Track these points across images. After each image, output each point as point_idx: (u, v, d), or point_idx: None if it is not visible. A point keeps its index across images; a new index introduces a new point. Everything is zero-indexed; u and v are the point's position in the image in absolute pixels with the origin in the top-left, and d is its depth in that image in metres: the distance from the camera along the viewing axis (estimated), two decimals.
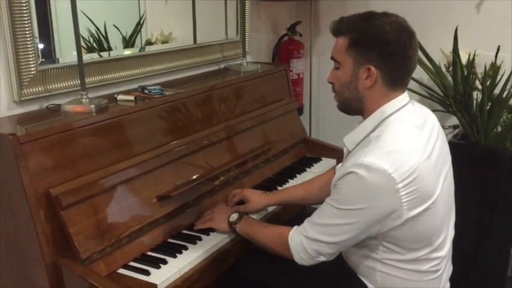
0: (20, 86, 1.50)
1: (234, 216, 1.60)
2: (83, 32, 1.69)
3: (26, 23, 1.47)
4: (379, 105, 1.35)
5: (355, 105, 1.39)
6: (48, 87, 1.58)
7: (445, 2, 2.50)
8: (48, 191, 1.31)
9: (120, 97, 1.70)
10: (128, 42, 1.94)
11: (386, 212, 1.26)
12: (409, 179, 1.23)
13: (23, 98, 1.52)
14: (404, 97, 1.37)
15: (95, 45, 1.81)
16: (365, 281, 1.44)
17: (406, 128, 1.33)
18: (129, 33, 1.94)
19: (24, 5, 1.46)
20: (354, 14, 1.38)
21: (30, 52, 1.50)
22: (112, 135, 1.53)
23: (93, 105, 1.52)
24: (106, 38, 1.86)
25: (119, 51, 1.91)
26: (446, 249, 1.42)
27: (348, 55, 1.34)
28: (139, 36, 2.00)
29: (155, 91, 1.74)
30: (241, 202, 1.78)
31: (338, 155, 2.33)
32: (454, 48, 2.15)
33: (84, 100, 1.55)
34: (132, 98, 1.69)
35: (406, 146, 1.28)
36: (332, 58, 1.41)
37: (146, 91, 1.75)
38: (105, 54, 1.83)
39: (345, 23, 1.36)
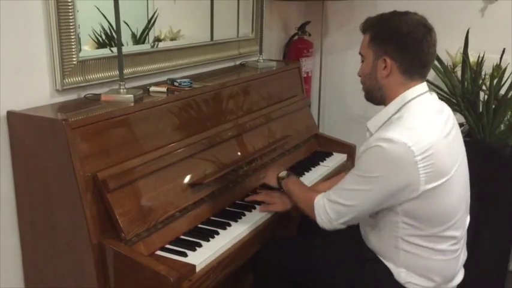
0: (63, 76, 1.57)
1: (283, 174, 1.80)
2: (96, 27, 1.74)
3: (70, 17, 1.55)
4: (399, 93, 1.48)
5: (376, 94, 1.53)
6: (86, 77, 1.65)
7: (450, 5, 2.62)
8: (95, 174, 1.39)
9: (152, 88, 1.77)
10: (139, 39, 1.98)
11: (404, 183, 1.38)
12: (426, 153, 1.36)
13: (64, 87, 1.58)
14: (423, 86, 1.50)
15: (106, 40, 1.82)
16: (387, 264, 1.52)
17: (425, 110, 1.46)
18: (137, 30, 1.97)
19: (69, 1, 1.54)
20: (379, 13, 1.51)
21: (73, 43, 1.57)
22: (149, 124, 1.60)
23: (131, 95, 1.60)
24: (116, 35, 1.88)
25: (150, 45, 1.97)
26: (462, 230, 1.52)
27: (369, 48, 1.50)
28: (147, 33, 2.03)
29: (185, 83, 1.82)
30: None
31: (348, 150, 2.44)
32: (464, 49, 2.27)
33: (122, 90, 1.62)
34: (164, 89, 1.76)
35: (425, 124, 1.42)
36: (360, 53, 1.56)
37: (176, 83, 1.82)
38: (115, 50, 1.79)
39: (370, 21, 1.52)
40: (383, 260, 1.54)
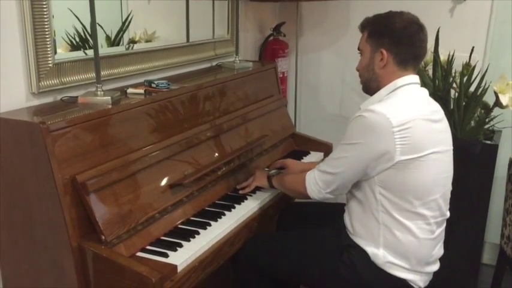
0: (38, 78, 1.56)
1: (273, 172, 1.98)
2: (69, 29, 1.73)
3: (45, 19, 1.54)
4: (392, 80, 1.61)
5: (373, 85, 1.65)
6: (62, 80, 1.64)
7: (420, 6, 2.66)
8: (74, 177, 1.38)
9: (130, 90, 1.77)
10: (114, 41, 1.98)
11: (382, 150, 1.49)
12: (403, 126, 1.48)
13: (40, 90, 1.57)
14: (415, 77, 1.63)
15: (80, 43, 1.81)
16: (366, 246, 1.59)
17: (413, 95, 1.60)
18: (112, 32, 1.96)
19: (44, 3, 1.53)
20: (375, 14, 1.67)
21: (48, 46, 1.56)
22: (128, 125, 1.60)
23: (109, 97, 1.59)
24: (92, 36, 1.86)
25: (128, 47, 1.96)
26: (438, 213, 1.59)
27: (367, 43, 1.64)
28: (122, 35, 2.02)
29: (162, 85, 1.82)
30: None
31: (324, 148, 2.48)
32: (435, 48, 2.33)
33: (99, 92, 1.61)
34: (142, 91, 1.76)
35: (409, 104, 1.55)
36: (358, 49, 1.70)
37: (153, 85, 1.83)
38: (90, 52, 1.79)
39: (367, 20, 1.68)
40: (361, 245, 1.60)
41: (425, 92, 1.66)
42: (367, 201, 1.58)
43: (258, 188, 1.97)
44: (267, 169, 2.11)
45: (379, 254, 1.56)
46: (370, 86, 1.66)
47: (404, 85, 1.59)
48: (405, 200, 1.53)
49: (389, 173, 1.51)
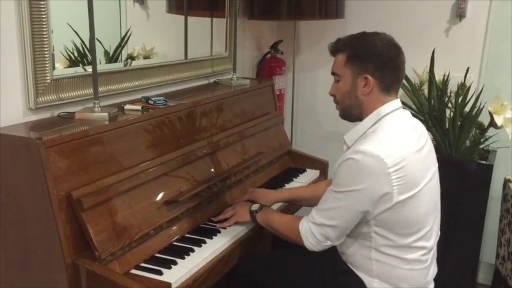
0: (36, 94, 1.56)
1: (255, 207, 1.79)
2: (68, 44, 1.74)
3: (44, 35, 1.55)
4: (375, 108, 1.53)
5: (355, 112, 1.58)
6: (60, 95, 1.64)
7: (417, 26, 2.72)
8: (69, 193, 1.38)
9: (127, 107, 1.77)
10: (112, 57, 1.99)
11: (379, 194, 1.42)
12: (399, 166, 1.41)
13: (38, 106, 1.57)
14: (397, 102, 1.57)
15: (79, 58, 1.82)
16: (361, 275, 1.56)
17: (399, 125, 1.53)
18: (110, 48, 1.97)
19: (43, 18, 1.54)
20: (348, 34, 1.58)
21: (46, 62, 1.57)
22: (124, 142, 1.60)
23: (106, 114, 1.60)
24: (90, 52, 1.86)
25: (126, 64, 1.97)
26: (432, 241, 1.57)
27: (346, 68, 1.54)
28: (120, 50, 2.04)
29: (160, 102, 1.83)
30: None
31: (320, 166, 2.48)
32: (430, 68, 2.36)
33: (97, 108, 1.62)
34: (139, 107, 1.77)
35: (398, 138, 1.48)
36: (332, 73, 1.60)
37: (151, 101, 1.83)
38: (88, 68, 1.81)
39: (342, 41, 1.57)
40: (356, 272, 1.58)
41: (408, 115, 1.59)
42: (360, 237, 1.53)
43: None
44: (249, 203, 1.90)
45: (373, 284, 1.54)
46: (352, 113, 1.58)
47: (388, 113, 1.52)
48: (402, 236, 1.48)
49: (386, 214, 1.45)
